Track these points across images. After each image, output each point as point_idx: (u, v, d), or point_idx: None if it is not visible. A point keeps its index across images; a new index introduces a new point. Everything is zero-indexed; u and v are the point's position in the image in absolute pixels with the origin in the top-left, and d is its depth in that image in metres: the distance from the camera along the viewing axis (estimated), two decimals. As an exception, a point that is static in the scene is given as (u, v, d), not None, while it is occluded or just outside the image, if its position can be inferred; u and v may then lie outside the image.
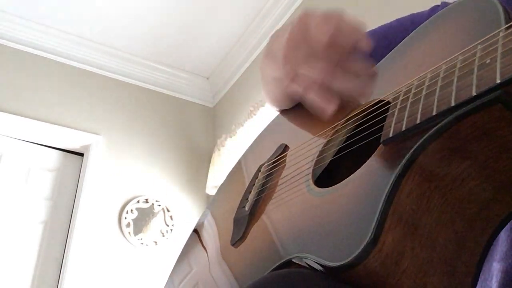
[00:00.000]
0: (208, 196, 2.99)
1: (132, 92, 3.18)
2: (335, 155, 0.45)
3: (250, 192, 0.53)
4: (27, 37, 2.88)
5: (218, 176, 2.76)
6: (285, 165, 0.51)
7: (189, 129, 3.30)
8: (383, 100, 0.41)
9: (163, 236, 2.79)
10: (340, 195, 0.36)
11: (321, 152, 0.46)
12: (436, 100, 0.30)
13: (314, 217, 0.38)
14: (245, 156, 0.66)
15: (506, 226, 0.32)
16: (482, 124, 0.28)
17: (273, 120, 0.66)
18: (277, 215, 0.44)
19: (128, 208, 2.74)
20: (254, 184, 0.54)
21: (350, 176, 0.37)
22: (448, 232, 0.30)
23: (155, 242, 2.75)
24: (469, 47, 0.31)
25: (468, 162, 0.30)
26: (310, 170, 0.44)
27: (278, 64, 0.52)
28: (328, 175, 0.44)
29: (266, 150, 0.59)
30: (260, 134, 0.67)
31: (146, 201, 2.83)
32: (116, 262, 2.57)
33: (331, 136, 0.47)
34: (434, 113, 0.30)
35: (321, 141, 0.47)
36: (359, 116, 0.45)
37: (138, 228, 2.73)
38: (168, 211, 2.87)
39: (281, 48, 0.50)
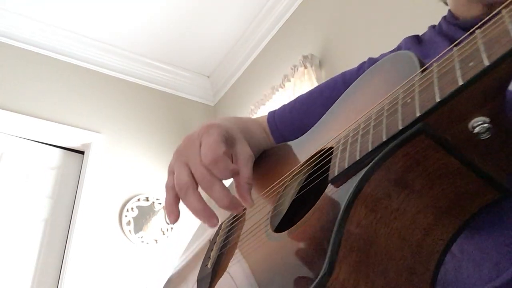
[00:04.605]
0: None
1: (133, 91, 3.18)
2: (292, 202, 0.48)
3: (212, 250, 0.56)
4: (28, 35, 2.88)
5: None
6: (245, 218, 0.54)
7: (189, 127, 3.30)
8: (328, 147, 0.45)
9: (164, 234, 2.80)
10: (295, 235, 0.39)
11: (278, 201, 0.49)
12: (370, 138, 0.34)
13: (274, 260, 0.40)
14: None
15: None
16: (412, 155, 0.31)
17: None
18: (241, 266, 0.46)
19: (128, 206, 2.75)
20: (215, 242, 0.57)
21: (303, 218, 0.39)
22: (398, 259, 0.32)
23: (156, 240, 2.76)
24: (392, 92, 0.36)
25: (407, 191, 0.32)
26: (269, 219, 0.47)
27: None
28: (290, 223, 0.46)
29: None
30: None
31: (147, 199, 2.84)
32: (117, 260, 2.58)
33: (284, 188, 0.50)
34: (370, 149, 0.34)
35: (277, 192, 0.51)
36: (309, 164, 0.48)
37: (139, 226, 2.74)
38: (168, 209, 2.88)
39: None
